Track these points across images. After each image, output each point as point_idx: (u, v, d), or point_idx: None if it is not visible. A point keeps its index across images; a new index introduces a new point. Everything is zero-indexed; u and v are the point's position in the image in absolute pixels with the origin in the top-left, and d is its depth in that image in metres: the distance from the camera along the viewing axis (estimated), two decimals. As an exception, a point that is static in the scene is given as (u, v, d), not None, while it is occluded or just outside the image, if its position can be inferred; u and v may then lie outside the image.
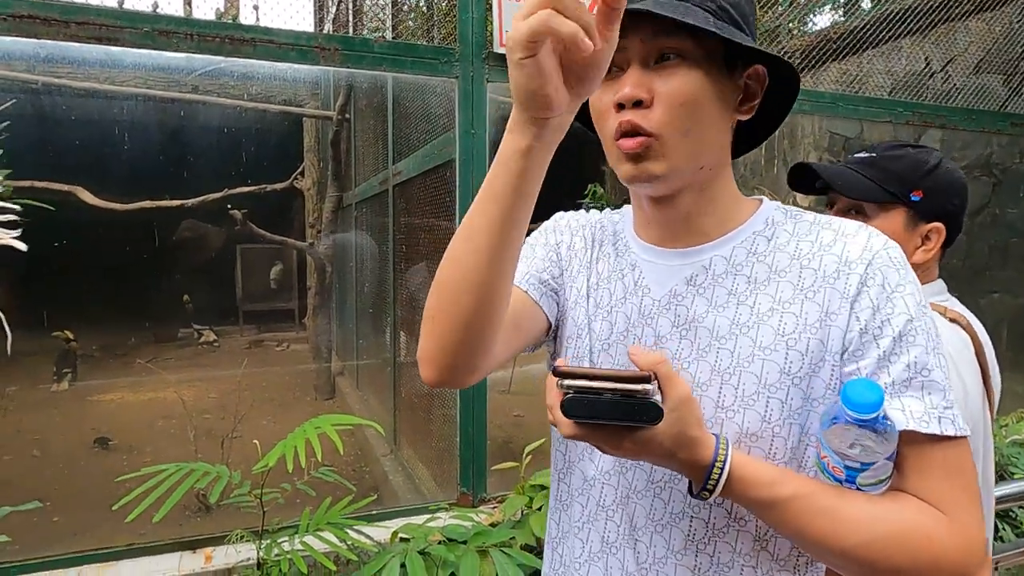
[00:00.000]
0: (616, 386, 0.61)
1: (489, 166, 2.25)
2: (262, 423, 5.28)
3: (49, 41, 1.96)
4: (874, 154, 1.27)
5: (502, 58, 2.39)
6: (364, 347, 5.43)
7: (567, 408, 0.62)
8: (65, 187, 7.16)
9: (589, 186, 7.69)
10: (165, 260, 9.20)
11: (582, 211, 0.94)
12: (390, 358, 4.00)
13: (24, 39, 1.93)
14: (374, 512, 2.33)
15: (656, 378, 0.64)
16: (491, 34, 2.38)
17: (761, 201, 0.82)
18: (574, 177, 8.22)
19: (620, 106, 0.72)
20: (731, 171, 0.81)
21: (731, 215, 0.80)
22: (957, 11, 4.26)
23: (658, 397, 0.63)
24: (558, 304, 0.88)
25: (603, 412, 0.61)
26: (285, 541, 1.85)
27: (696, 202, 0.78)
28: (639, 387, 0.61)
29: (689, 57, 0.71)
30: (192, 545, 2.11)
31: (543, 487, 2.23)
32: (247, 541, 1.95)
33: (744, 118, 0.78)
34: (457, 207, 2.40)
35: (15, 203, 5.92)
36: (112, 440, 4.78)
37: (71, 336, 6.60)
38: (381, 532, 2.09)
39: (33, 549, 3.16)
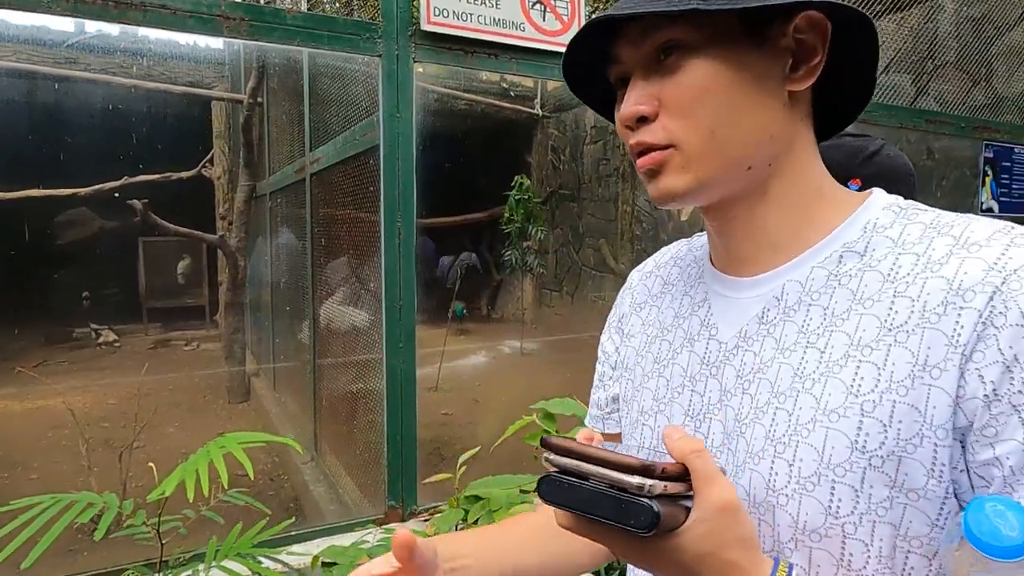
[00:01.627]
0: (606, 473, 0.46)
1: (416, 152, 2.06)
2: (168, 431, 4.89)
3: None
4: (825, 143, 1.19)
5: (430, 36, 2.21)
6: (281, 347, 5.11)
7: (541, 489, 0.48)
8: (-65, 173, 6.41)
9: (516, 178, 7.60)
10: (56, 255, 8.43)
11: (668, 246, 0.79)
12: (310, 359, 3.74)
13: None
14: (292, 533, 2.12)
15: (672, 475, 0.47)
16: (418, 9, 2.20)
17: (869, 195, 0.61)
18: (502, 168, 8.12)
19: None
20: (810, 161, 0.61)
21: (814, 222, 0.61)
22: (869, 11, 4.39)
23: (654, 497, 0.46)
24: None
25: (582, 503, 0.46)
26: (188, 575, 1.62)
27: (760, 212, 0.61)
28: (633, 480, 0.45)
29: (690, 44, 0.57)
30: (78, 584, 1.84)
31: (478, 498, 2.09)
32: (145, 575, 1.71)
33: (801, 86, 0.58)
34: (382, 195, 2.21)
35: None
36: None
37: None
38: (302, 556, 1.89)
39: None
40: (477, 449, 2.09)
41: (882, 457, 0.51)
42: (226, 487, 1.56)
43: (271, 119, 5.33)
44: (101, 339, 8.03)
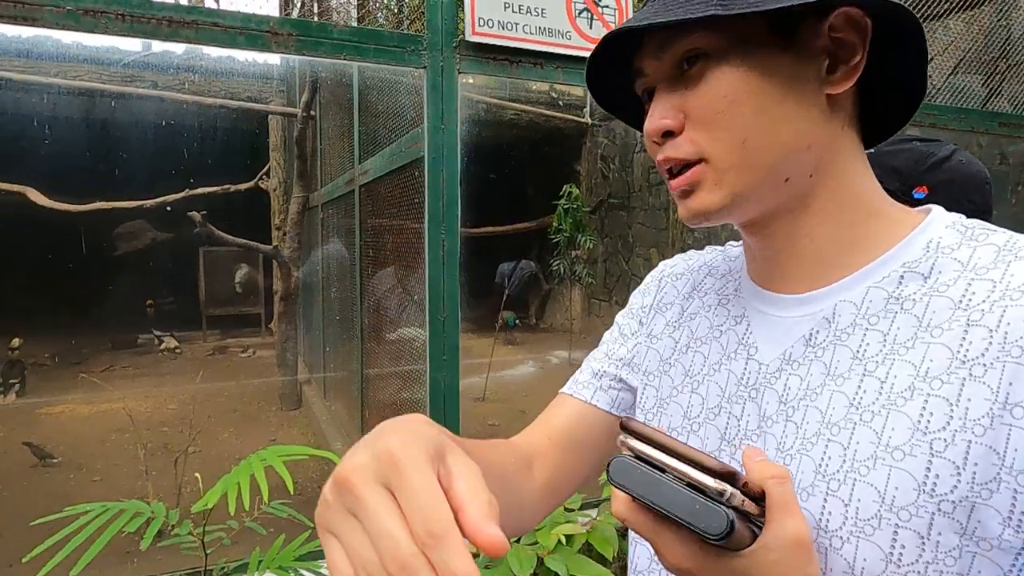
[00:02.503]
0: (686, 469, 0.43)
1: (461, 162, 2.04)
2: (223, 436, 5.02)
3: (-44, 20, 1.72)
4: (871, 150, 1.11)
5: (475, 47, 2.20)
6: (331, 355, 5.19)
7: (612, 470, 0.45)
8: (14, 187, 6.78)
9: (564, 187, 7.55)
10: (122, 264, 8.82)
11: (698, 252, 0.74)
12: (357, 368, 3.77)
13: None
14: (336, 545, 2.12)
15: (750, 493, 0.44)
16: (463, 20, 2.19)
17: (928, 213, 0.56)
18: (550, 178, 8.09)
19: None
20: (857, 170, 0.56)
21: (867, 237, 0.55)
22: (937, 9, 4.18)
23: (737, 508, 0.44)
24: (632, 390, 0.73)
25: (655, 494, 0.44)
26: (231, 588, 1.63)
27: (803, 226, 0.56)
28: (714, 483, 0.42)
29: (713, 52, 0.53)
30: (127, 590, 1.88)
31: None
32: (188, 587, 1.73)
33: (840, 89, 0.53)
34: (426, 206, 2.20)
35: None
36: (56, 458, 4.47)
37: (18, 344, 6.23)
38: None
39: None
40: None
41: (953, 502, 0.45)
42: (267, 500, 1.56)
43: (323, 132, 5.44)
44: (163, 345, 8.33)
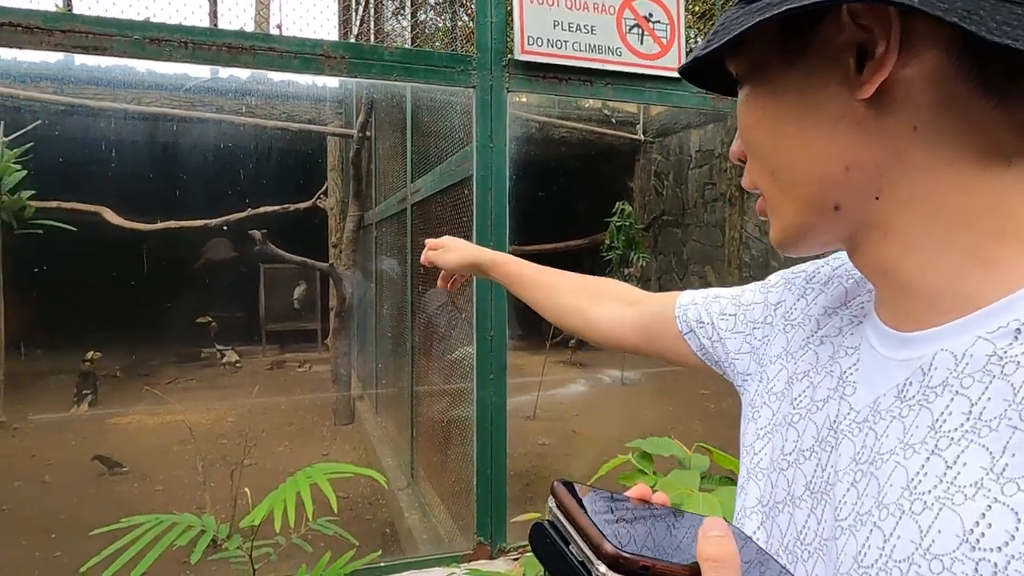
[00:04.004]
0: (582, 547, 0.40)
1: (509, 181, 2.03)
2: (278, 450, 5.12)
3: (37, 52, 1.82)
4: None
5: (524, 66, 2.20)
6: (383, 372, 5.25)
7: (530, 534, 0.44)
8: (90, 208, 7.17)
9: (617, 204, 7.49)
10: (188, 280, 9.18)
11: (829, 261, 0.65)
12: (407, 385, 3.80)
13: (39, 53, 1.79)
14: (382, 564, 2.12)
15: (652, 571, 0.38)
16: (512, 39, 2.20)
17: None
18: (602, 195, 8.04)
19: None
20: (957, 186, 0.43)
21: (988, 271, 0.43)
22: None
23: None
24: (716, 355, 0.73)
25: (554, 564, 0.43)
26: (277, 604, 1.64)
27: (887, 256, 0.47)
28: (600, 567, 0.39)
29: (742, 78, 0.51)
30: (180, 601, 1.91)
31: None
32: (237, 601, 1.75)
33: (866, 92, 0.42)
34: (474, 225, 2.20)
35: (39, 224, 5.89)
36: (125, 467, 4.64)
37: (93, 357, 6.53)
38: (387, 590, 1.87)
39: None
40: (567, 489, 2.00)
41: None
42: (311, 518, 1.56)
43: (378, 152, 5.55)
44: (224, 359, 8.61)
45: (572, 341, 8.12)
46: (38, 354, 8.24)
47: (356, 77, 2.04)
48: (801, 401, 0.57)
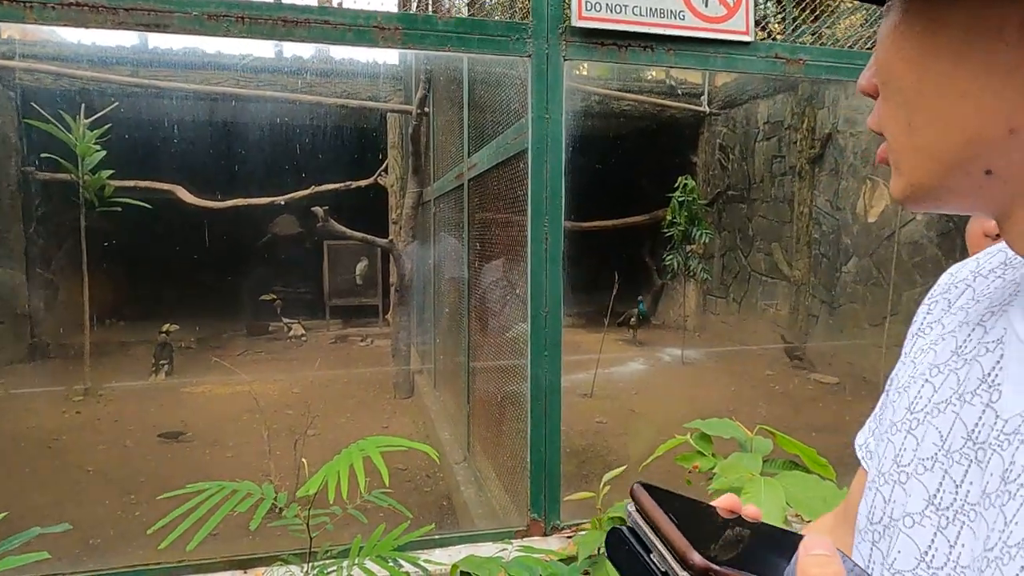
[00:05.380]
0: (664, 555, 0.39)
1: (566, 154, 1.96)
2: (340, 421, 5.26)
3: (101, 31, 1.87)
4: None
5: (582, 32, 2.12)
6: (441, 346, 5.30)
7: (607, 540, 0.43)
8: (165, 186, 7.47)
9: (679, 178, 7.28)
10: (256, 256, 9.50)
11: (998, 248, 0.56)
12: (464, 360, 3.82)
13: (102, 32, 1.85)
14: (436, 537, 2.13)
15: None
16: (569, 6, 2.12)
17: None
18: (665, 169, 7.83)
19: None
20: None
21: None
22: None
23: None
24: None
25: (634, 571, 0.42)
26: (332, 572, 1.67)
27: None
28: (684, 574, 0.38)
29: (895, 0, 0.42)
30: (243, 565, 1.99)
31: (624, 520, 1.96)
32: (295, 564, 1.79)
33: None
34: (529, 199, 2.16)
35: (117, 202, 6.16)
36: (187, 434, 4.87)
37: (170, 329, 6.86)
38: (441, 564, 1.88)
39: (107, 550, 3.19)
40: (622, 469, 1.96)
41: None
42: (363, 490, 1.58)
43: (436, 127, 5.54)
44: (291, 332, 8.89)
45: (633, 319, 8.01)
46: (120, 325, 8.73)
47: (410, 48, 2.01)
48: (916, 404, 0.49)
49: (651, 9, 2.16)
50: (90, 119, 6.04)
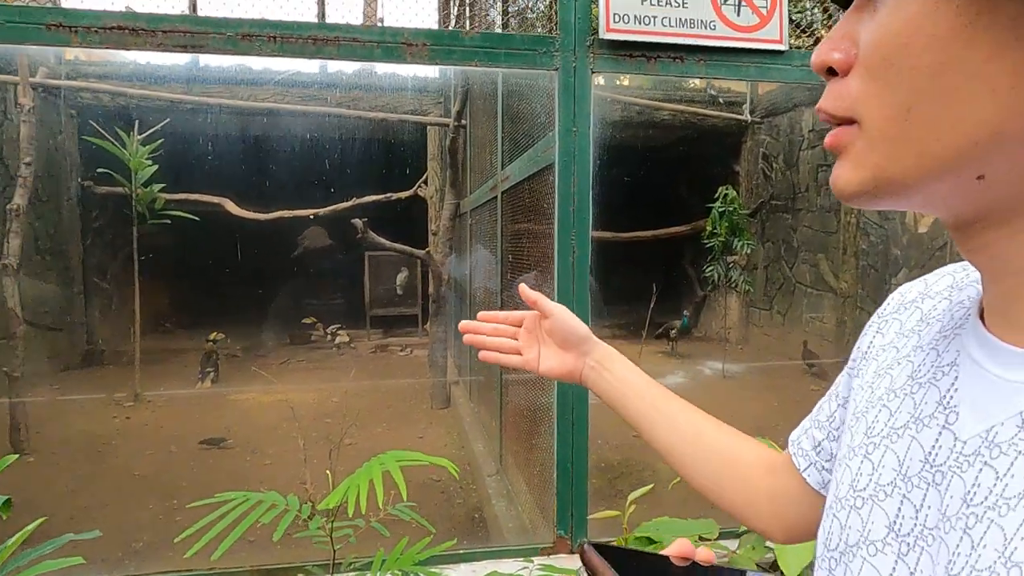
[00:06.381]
0: None
1: (594, 167, 1.94)
2: (376, 431, 5.31)
3: (141, 53, 1.94)
4: None
5: (610, 44, 2.11)
6: (476, 358, 5.31)
7: None
8: (213, 199, 7.72)
9: (720, 188, 7.15)
10: (300, 266, 9.72)
11: (953, 267, 0.54)
12: (497, 372, 3.81)
13: (147, 54, 1.92)
14: (461, 552, 2.13)
15: None
16: (597, 17, 2.11)
17: None
18: (706, 179, 7.71)
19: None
20: None
21: None
22: None
23: None
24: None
25: None
26: (355, 585, 1.68)
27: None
28: None
29: None
30: (269, 574, 2.01)
31: (651, 540, 1.92)
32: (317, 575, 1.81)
33: None
34: (556, 213, 2.15)
35: (167, 215, 6.38)
36: (229, 441, 4.98)
37: (217, 337, 7.06)
38: (463, 579, 1.87)
39: (148, 554, 3.28)
40: (649, 488, 1.92)
41: None
42: (380, 504, 1.58)
43: (473, 139, 5.58)
44: (337, 340, 9.03)
45: (673, 331, 7.89)
46: (170, 333, 9.02)
47: (437, 64, 2.03)
48: (874, 429, 0.48)
49: (681, 20, 2.14)
50: (143, 135, 6.29)
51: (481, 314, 0.90)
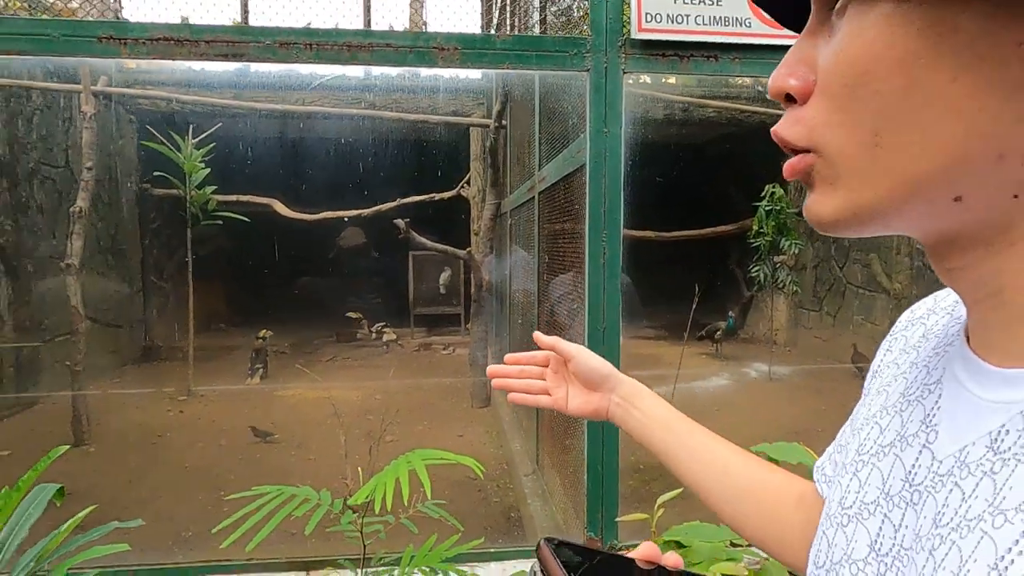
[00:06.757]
0: None
1: (625, 167, 1.93)
2: (417, 428, 5.39)
3: (185, 63, 2.02)
4: None
5: (642, 44, 2.10)
6: (515, 358, 5.33)
7: None
8: (263, 200, 7.95)
9: (767, 187, 6.99)
10: (345, 266, 9.92)
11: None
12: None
13: (190, 63, 2.01)
14: (491, 550, 2.15)
15: None
16: (628, 17, 2.10)
17: None
18: (753, 178, 7.55)
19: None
20: None
21: None
22: None
23: None
24: None
25: None
26: (384, 580, 1.72)
27: (1005, 270, 0.37)
28: None
29: None
30: (305, 566, 2.07)
31: (680, 544, 1.90)
32: (348, 569, 1.85)
33: None
34: (587, 214, 2.15)
35: (219, 216, 6.61)
36: (275, 435, 5.12)
37: (266, 335, 7.27)
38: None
39: (196, 543, 3.40)
40: (678, 492, 1.89)
41: None
42: (405, 502, 1.61)
43: (513, 140, 5.61)
44: (385, 338, 9.19)
45: (718, 333, 7.75)
46: (222, 330, 9.33)
47: (468, 67, 2.05)
48: (864, 446, 0.48)
49: (715, 18, 2.11)
50: (196, 139, 6.52)
51: (508, 356, 0.91)
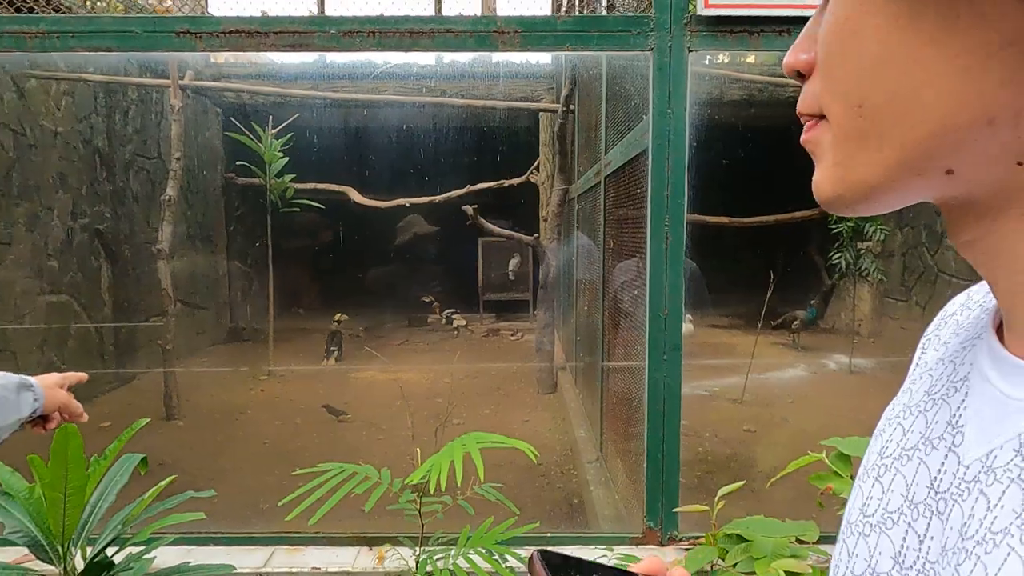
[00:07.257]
0: None
1: (690, 151, 1.88)
2: (484, 412, 5.46)
3: (266, 55, 2.09)
4: None
5: (708, 21, 2.02)
6: (581, 344, 5.30)
7: None
8: (339, 188, 8.19)
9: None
10: (417, 252, 10.12)
11: None
12: (598, 359, 3.79)
13: (272, 54, 2.09)
14: (548, 535, 2.15)
15: None
16: (694, -6, 2.02)
17: None
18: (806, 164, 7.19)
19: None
20: None
21: None
22: None
23: None
24: None
25: None
26: (440, 559, 1.75)
27: (1016, 245, 0.34)
28: None
29: None
30: (370, 542, 2.14)
31: (741, 538, 1.84)
32: (407, 547, 1.90)
33: None
34: (649, 198, 2.10)
35: (297, 203, 6.88)
36: (348, 415, 5.30)
37: (341, 318, 7.52)
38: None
39: (272, 515, 3.57)
40: (739, 484, 1.84)
41: None
42: (458, 483, 1.63)
43: (580, 125, 5.54)
44: (455, 323, 9.35)
45: (796, 322, 7.45)
46: (300, 313, 9.72)
47: (529, 50, 2.03)
48: (887, 449, 0.44)
49: (788, -10, 2.00)
50: (276, 129, 6.78)
51: None
